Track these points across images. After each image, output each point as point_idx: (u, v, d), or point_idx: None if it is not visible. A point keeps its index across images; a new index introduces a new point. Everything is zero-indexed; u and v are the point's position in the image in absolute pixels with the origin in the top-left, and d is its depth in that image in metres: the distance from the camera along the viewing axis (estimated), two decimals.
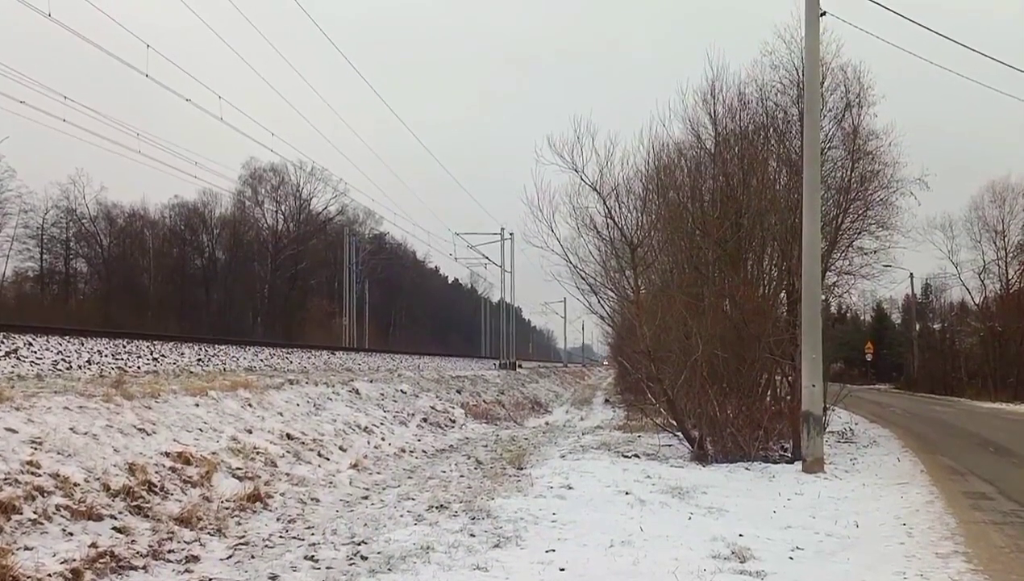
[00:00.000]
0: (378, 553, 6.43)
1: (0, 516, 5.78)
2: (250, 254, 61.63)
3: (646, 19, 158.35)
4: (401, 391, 17.87)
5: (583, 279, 17.48)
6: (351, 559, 6.34)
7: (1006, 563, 6.39)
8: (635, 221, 14.94)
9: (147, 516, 6.87)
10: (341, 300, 53.88)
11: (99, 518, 6.43)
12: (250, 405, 11.34)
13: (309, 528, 7.51)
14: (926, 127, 68.75)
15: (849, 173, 15.44)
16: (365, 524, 7.62)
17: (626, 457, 12.52)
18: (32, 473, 6.50)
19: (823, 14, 11.77)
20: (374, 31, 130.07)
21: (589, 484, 9.60)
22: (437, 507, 8.35)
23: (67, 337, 15.84)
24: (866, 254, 16.90)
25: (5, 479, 6.23)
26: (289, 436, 11.00)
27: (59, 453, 7.09)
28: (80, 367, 13.76)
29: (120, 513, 6.70)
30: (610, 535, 6.92)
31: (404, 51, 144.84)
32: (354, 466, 10.94)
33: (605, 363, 76.94)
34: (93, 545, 5.95)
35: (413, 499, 8.98)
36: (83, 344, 15.65)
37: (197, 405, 10.17)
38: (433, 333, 79.27)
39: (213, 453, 8.94)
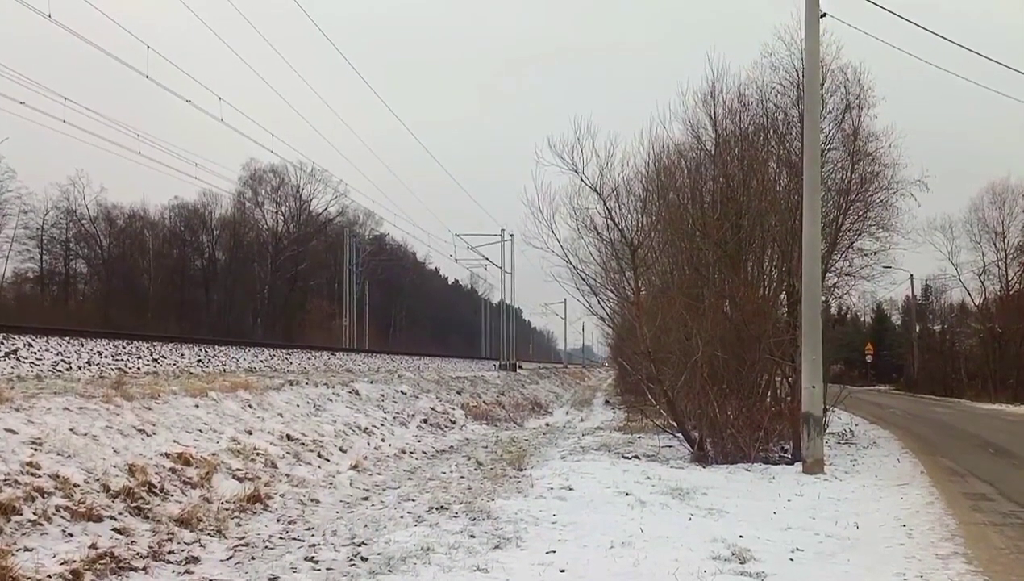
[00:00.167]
0: (378, 554, 6.43)
1: (0, 517, 5.77)
2: (250, 255, 61.58)
3: (646, 20, 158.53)
4: (401, 392, 17.87)
5: (583, 280, 17.55)
6: (351, 560, 6.34)
7: (1006, 564, 6.39)
8: (635, 222, 14.99)
9: (147, 517, 6.87)
10: (341, 301, 53.87)
11: (99, 519, 6.43)
12: (250, 406, 11.34)
13: (309, 529, 7.51)
14: (926, 128, 68.92)
15: (849, 174, 15.44)
16: (365, 525, 7.62)
17: (626, 458, 12.52)
18: (32, 474, 6.50)
19: (823, 16, 11.80)
20: (374, 31, 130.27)
21: (589, 485, 9.60)
22: (437, 508, 8.35)
23: (67, 338, 15.83)
24: (866, 255, 16.91)
25: (5, 480, 6.23)
26: (289, 437, 11.00)
27: (59, 454, 7.08)
28: (80, 368, 13.74)
29: (120, 514, 6.70)
30: (610, 536, 6.92)
31: (404, 51, 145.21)
32: (354, 467, 10.93)
33: (605, 364, 76.82)
34: (93, 546, 5.95)
35: (413, 500, 8.98)
36: (83, 345, 15.63)
37: (197, 406, 10.17)
38: (433, 334, 79.28)
39: (213, 454, 8.94)
